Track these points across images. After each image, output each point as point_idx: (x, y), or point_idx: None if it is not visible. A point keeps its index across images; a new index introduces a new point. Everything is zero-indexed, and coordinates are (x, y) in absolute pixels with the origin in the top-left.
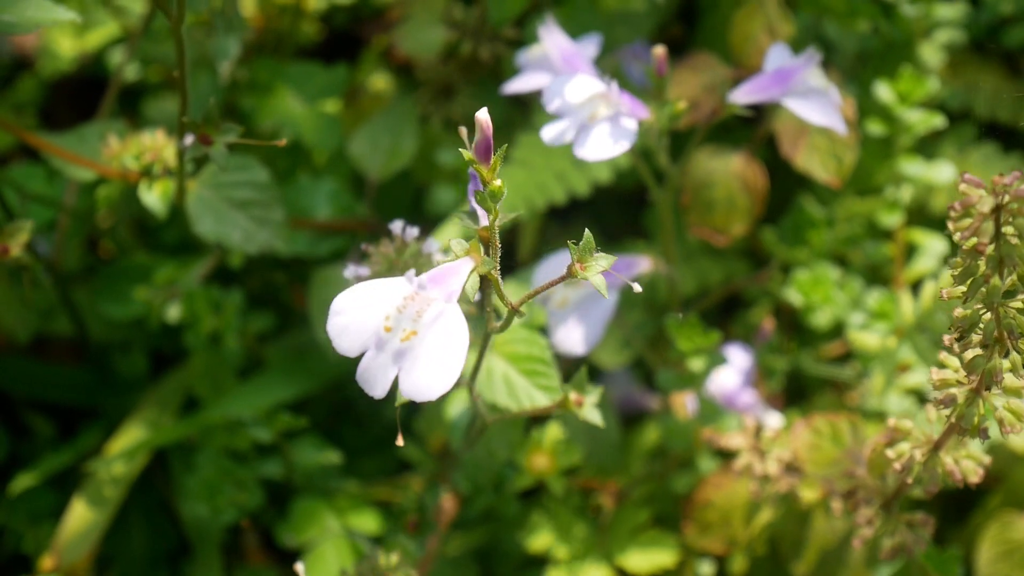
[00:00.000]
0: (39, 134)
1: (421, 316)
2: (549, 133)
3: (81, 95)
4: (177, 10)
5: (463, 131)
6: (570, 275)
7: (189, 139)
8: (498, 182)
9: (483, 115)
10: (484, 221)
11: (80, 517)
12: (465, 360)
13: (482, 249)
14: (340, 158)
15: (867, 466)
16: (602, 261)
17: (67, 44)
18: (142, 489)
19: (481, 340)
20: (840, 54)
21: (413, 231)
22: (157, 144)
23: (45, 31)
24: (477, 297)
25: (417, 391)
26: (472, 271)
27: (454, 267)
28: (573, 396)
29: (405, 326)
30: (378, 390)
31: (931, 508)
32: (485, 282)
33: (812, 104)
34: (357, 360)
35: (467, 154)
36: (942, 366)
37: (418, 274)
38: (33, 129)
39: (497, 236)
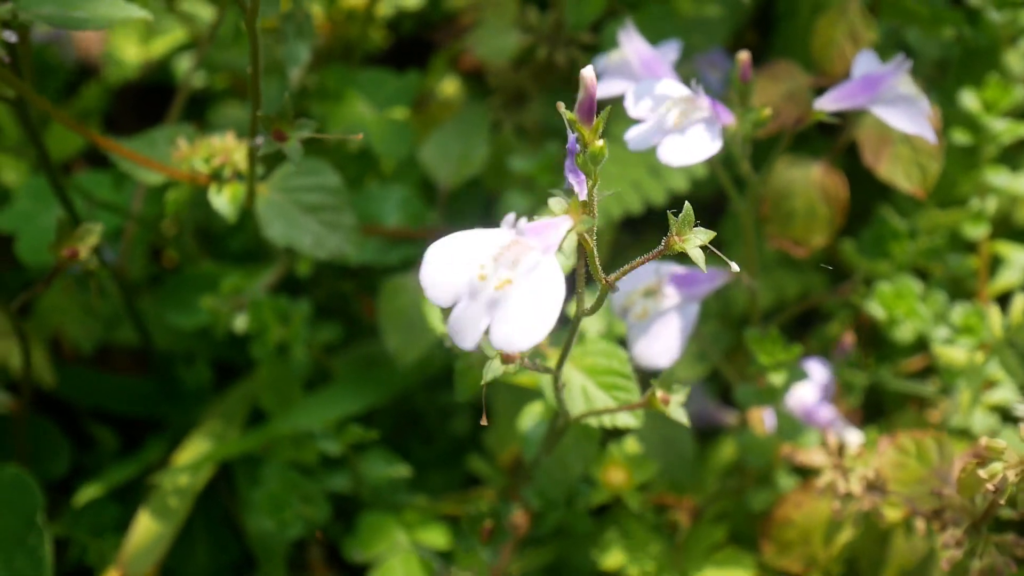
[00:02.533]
0: (108, 138)
1: (518, 264)
2: (633, 139)
3: (145, 102)
4: (252, 4)
5: (561, 106)
6: (667, 248)
7: (261, 138)
8: (600, 143)
9: (589, 72)
10: (582, 195)
11: (146, 530)
12: (559, 314)
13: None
14: (409, 165)
15: (958, 486)
16: (701, 235)
17: (132, 51)
18: (207, 502)
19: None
20: (921, 61)
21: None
22: (227, 146)
23: (110, 37)
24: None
25: (508, 341)
26: (570, 230)
27: (553, 222)
28: (660, 394)
29: (501, 274)
30: (468, 341)
31: (1015, 530)
32: (568, 287)
33: (902, 112)
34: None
35: (568, 114)
36: None
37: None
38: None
39: (595, 203)
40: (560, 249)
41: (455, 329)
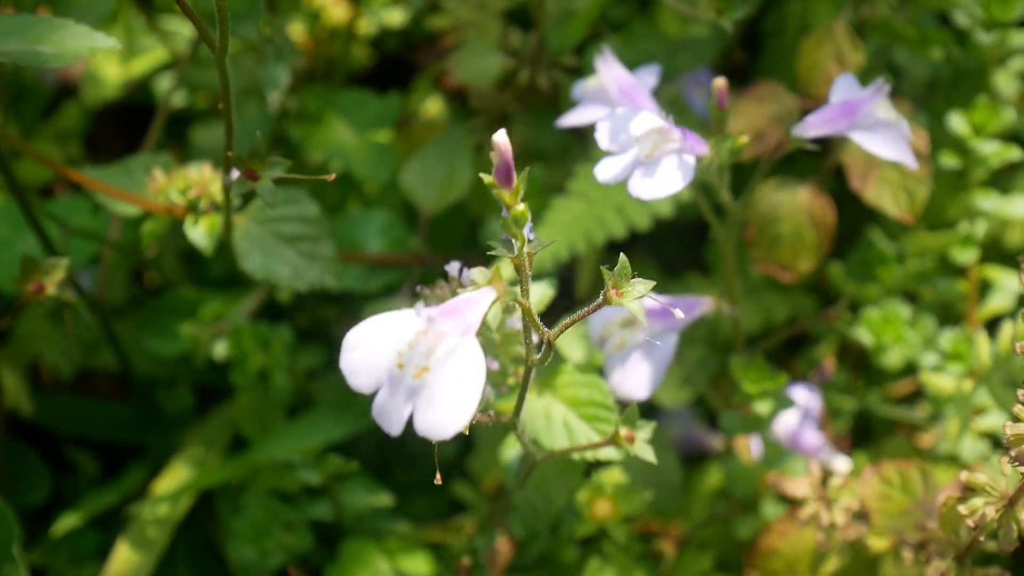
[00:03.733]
0: (83, 167)
1: (433, 352)
2: (605, 172)
3: (127, 122)
4: (220, 41)
5: (493, 156)
6: (605, 302)
7: (235, 174)
8: (521, 207)
9: (500, 137)
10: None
11: (125, 560)
12: (480, 397)
13: (509, 276)
14: (392, 189)
15: (939, 521)
16: (639, 287)
17: (113, 71)
18: (188, 530)
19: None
20: (909, 82)
21: (469, 273)
22: (203, 178)
23: (89, 57)
24: (516, 323)
25: (430, 430)
26: (494, 302)
27: (472, 298)
28: (624, 431)
29: (417, 362)
30: (394, 428)
31: (1004, 560)
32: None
33: (880, 138)
34: None
35: (487, 178)
36: (1017, 419)
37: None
38: (78, 158)
39: (527, 264)
40: (486, 324)
41: (379, 416)
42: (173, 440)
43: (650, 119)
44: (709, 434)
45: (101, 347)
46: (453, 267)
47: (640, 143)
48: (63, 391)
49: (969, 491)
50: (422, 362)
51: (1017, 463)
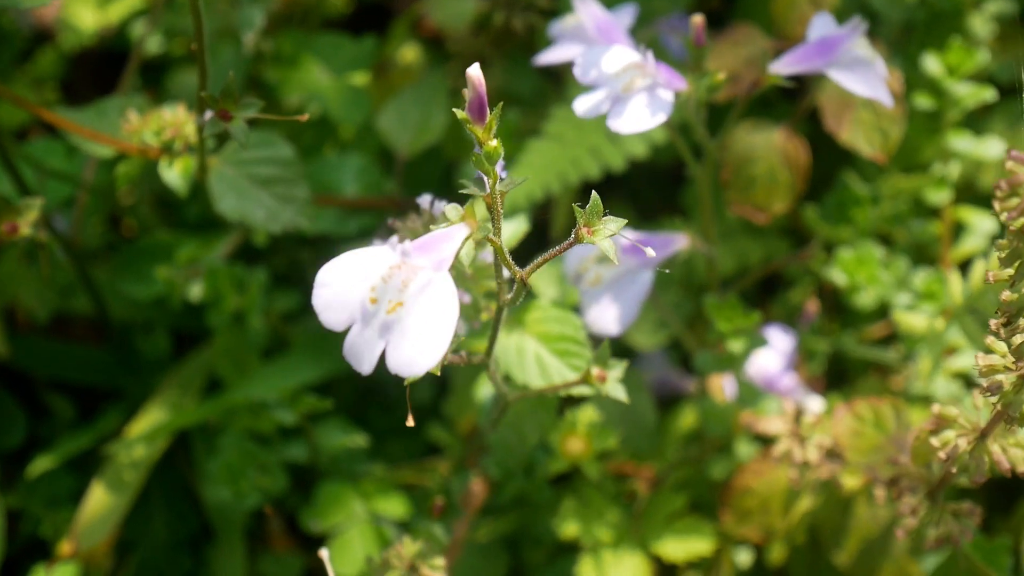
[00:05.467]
0: (58, 109)
1: (407, 286)
2: (583, 105)
3: (103, 69)
4: None
5: (465, 92)
6: (577, 240)
7: (208, 115)
8: (494, 143)
9: (475, 71)
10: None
11: (99, 501)
12: (453, 333)
13: (482, 215)
14: (368, 133)
15: (911, 454)
16: (611, 225)
17: (88, 17)
18: (163, 472)
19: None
20: (885, 25)
21: (441, 205)
22: (178, 120)
23: (66, 3)
24: (488, 256)
25: (403, 366)
26: (467, 238)
27: (445, 233)
28: (595, 371)
29: (391, 297)
30: (365, 365)
31: (978, 496)
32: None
33: (857, 75)
34: None
35: (461, 114)
36: (989, 351)
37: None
38: (54, 104)
39: (500, 201)
40: (458, 258)
41: (350, 353)
42: (150, 384)
43: (627, 53)
44: (684, 377)
45: (77, 291)
46: (425, 200)
47: (618, 77)
48: (39, 335)
49: (941, 425)
50: (395, 297)
51: (988, 393)
